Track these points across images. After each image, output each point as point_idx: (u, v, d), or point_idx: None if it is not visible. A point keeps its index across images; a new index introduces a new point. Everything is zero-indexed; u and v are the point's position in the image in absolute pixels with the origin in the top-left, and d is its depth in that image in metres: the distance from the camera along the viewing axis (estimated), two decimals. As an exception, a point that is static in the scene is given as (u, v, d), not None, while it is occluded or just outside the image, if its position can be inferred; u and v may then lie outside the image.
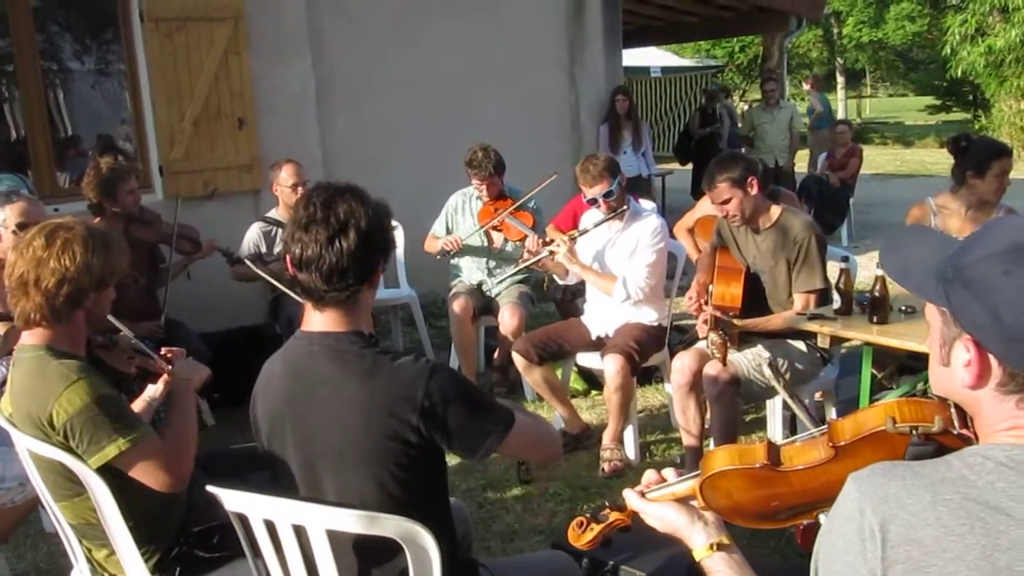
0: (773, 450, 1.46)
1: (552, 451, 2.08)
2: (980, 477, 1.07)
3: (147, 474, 2.24)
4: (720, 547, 1.47)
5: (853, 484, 1.13)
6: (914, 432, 1.29)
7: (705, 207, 5.32)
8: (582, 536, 1.71)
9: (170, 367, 2.68)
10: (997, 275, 1.09)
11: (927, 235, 1.27)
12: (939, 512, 1.05)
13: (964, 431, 1.24)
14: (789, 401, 2.42)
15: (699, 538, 1.49)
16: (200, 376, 2.62)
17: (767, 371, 3.72)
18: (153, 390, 2.64)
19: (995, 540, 1.02)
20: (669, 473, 1.61)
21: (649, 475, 1.62)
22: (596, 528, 1.70)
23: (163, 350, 2.75)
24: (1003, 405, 1.12)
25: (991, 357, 1.11)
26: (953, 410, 1.27)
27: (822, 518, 1.54)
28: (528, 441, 2.00)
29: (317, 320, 1.94)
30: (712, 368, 3.65)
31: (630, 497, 1.60)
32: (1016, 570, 1.01)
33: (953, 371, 1.16)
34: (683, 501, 1.55)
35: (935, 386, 1.25)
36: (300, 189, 5.03)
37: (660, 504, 1.56)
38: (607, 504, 1.71)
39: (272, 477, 2.04)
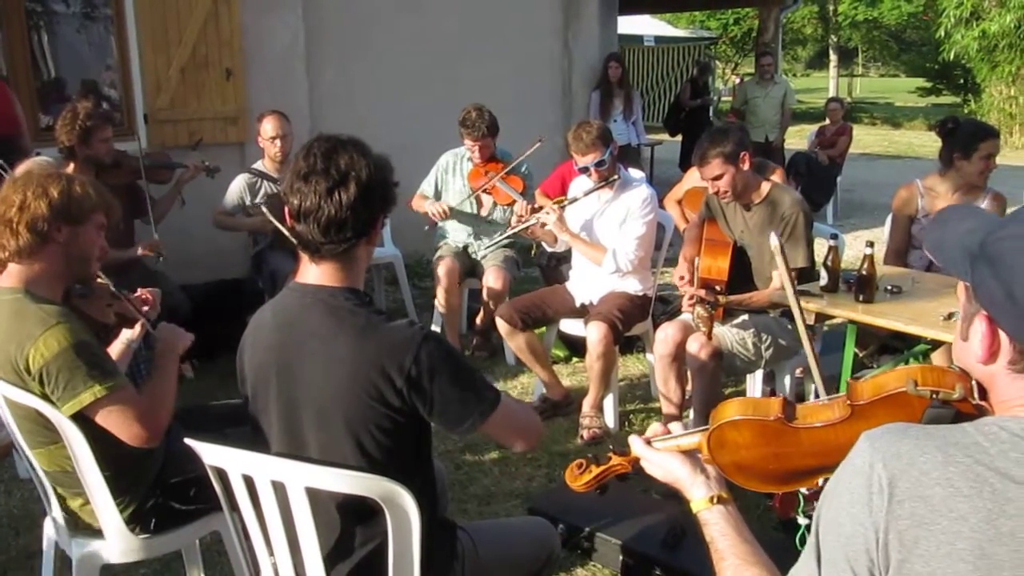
0: (788, 405, 1.47)
1: (531, 440, 2.08)
2: (994, 445, 1.07)
3: (120, 425, 2.21)
4: (720, 500, 1.47)
5: (866, 441, 1.14)
6: (934, 396, 1.29)
7: (694, 178, 5.30)
8: (580, 477, 1.71)
9: (146, 308, 2.66)
10: (1017, 252, 1.09)
11: (975, 215, 1.26)
12: (949, 472, 1.06)
13: (983, 403, 1.25)
14: (810, 358, 2.44)
15: (699, 490, 1.50)
16: (183, 342, 2.58)
17: (750, 343, 3.73)
18: (130, 333, 2.61)
19: (1002, 506, 1.03)
20: (676, 427, 1.62)
21: (655, 427, 1.63)
22: (595, 470, 1.70)
23: (138, 292, 2.72)
24: (1016, 383, 1.14)
25: (1003, 334, 1.13)
26: (974, 382, 1.28)
27: (804, 491, 1.55)
28: (509, 425, 1.99)
29: (312, 272, 1.91)
30: (695, 340, 3.65)
31: (635, 443, 1.61)
32: (1019, 536, 1.02)
33: (970, 345, 1.18)
34: (687, 454, 1.56)
35: (956, 359, 1.27)
36: (279, 142, 4.97)
37: (664, 453, 1.57)
38: (611, 448, 1.71)
39: (254, 428, 2.02)
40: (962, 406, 1.27)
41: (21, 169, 2.35)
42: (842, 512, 1.12)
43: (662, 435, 1.61)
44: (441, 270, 5.03)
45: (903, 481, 1.07)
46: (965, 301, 1.19)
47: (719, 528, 1.44)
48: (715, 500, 1.47)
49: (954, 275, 1.21)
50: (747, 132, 4.07)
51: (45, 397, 2.18)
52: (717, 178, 3.74)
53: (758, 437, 1.47)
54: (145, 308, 2.71)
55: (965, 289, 1.19)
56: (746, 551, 1.39)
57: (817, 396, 2.47)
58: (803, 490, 1.61)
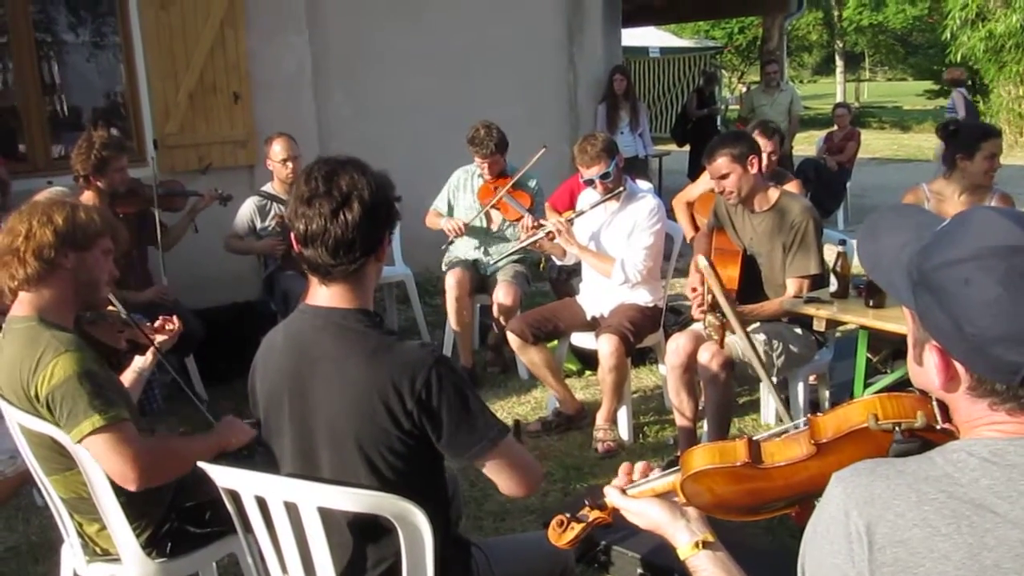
0: (754, 447, 1.44)
1: (532, 482, 2.01)
2: (964, 474, 1.05)
3: (112, 460, 2.17)
4: (705, 545, 1.45)
5: (838, 486, 1.11)
6: (897, 429, 1.27)
7: (706, 182, 5.30)
8: (563, 536, 1.68)
9: (159, 337, 2.67)
10: (958, 284, 1.05)
11: (905, 220, 1.21)
12: (924, 512, 1.04)
13: (947, 425, 1.22)
14: (769, 389, 2.43)
15: (683, 536, 1.47)
16: (239, 440, 2.46)
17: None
18: (142, 361, 2.63)
19: (981, 538, 1.01)
20: (647, 468, 1.59)
21: (624, 468, 1.60)
22: (577, 528, 1.67)
23: (160, 320, 2.74)
24: (976, 406, 1.10)
25: (957, 364, 1.09)
26: (935, 403, 1.25)
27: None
28: (514, 462, 1.94)
29: (323, 295, 1.92)
30: (707, 350, 3.64)
31: (611, 494, 1.58)
32: (1003, 567, 1.00)
33: (926, 371, 1.15)
34: (664, 497, 1.53)
35: (914, 381, 1.23)
36: (291, 164, 5.01)
37: (642, 501, 1.54)
38: (586, 503, 1.68)
39: (267, 450, 2.03)
40: (927, 433, 1.24)
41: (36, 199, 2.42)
42: (825, 562, 1.09)
43: (636, 480, 1.58)
44: (450, 280, 5.03)
45: (880, 527, 1.05)
46: (913, 326, 1.15)
47: (709, 574, 1.42)
48: (700, 545, 1.45)
49: (895, 298, 1.17)
50: (757, 141, 4.06)
51: (58, 424, 2.19)
52: (724, 177, 3.76)
53: (729, 481, 1.45)
54: (162, 338, 2.73)
55: (912, 315, 1.15)
56: None
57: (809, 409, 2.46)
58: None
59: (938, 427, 1.24)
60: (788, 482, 1.41)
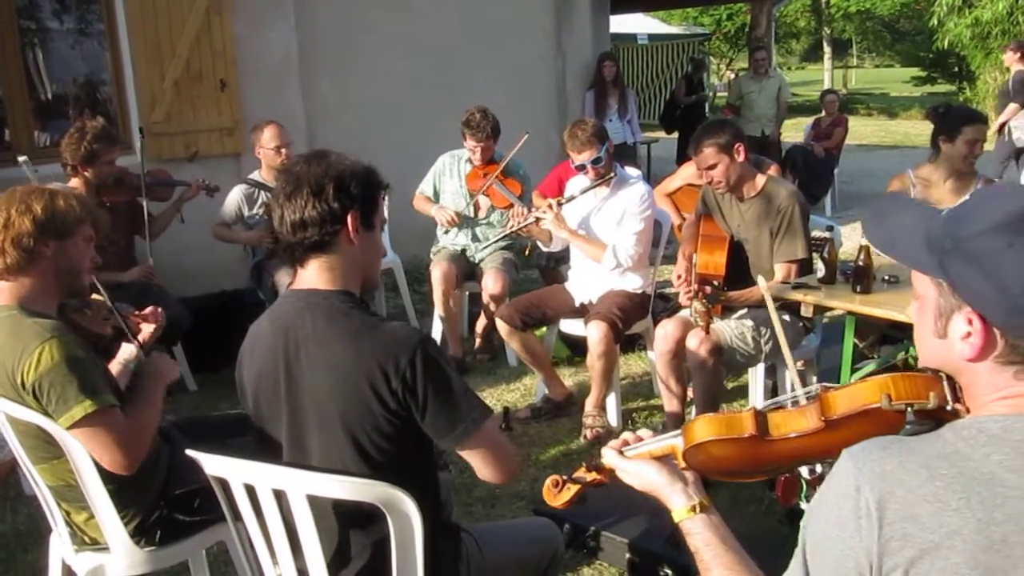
0: (760, 419, 1.44)
1: (509, 469, 2.02)
2: (975, 450, 1.07)
3: (103, 447, 2.20)
4: (702, 509, 1.45)
5: (849, 461, 1.12)
6: (909, 410, 1.27)
7: (685, 174, 5.31)
8: (559, 496, 1.70)
9: (151, 328, 2.66)
10: (1001, 248, 1.08)
11: (909, 204, 1.26)
12: (935, 487, 1.05)
13: (957, 405, 1.24)
14: (786, 355, 2.47)
15: (679, 499, 1.47)
16: (171, 375, 2.57)
17: (749, 339, 3.73)
18: (128, 351, 2.62)
19: (991, 513, 1.03)
20: (646, 434, 1.60)
21: (626, 436, 1.61)
22: (573, 488, 1.69)
23: (147, 309, 2.73)
24: (1000, 376, 1.12)
25: (994, 330, 1.11)
26: (945, 383, 1.26)
27: (803, 471, 1.55)
28: (495, 445, 1.97)
29: (304, 278, 1.97)
30: (695, 336, 3.65)
31: (608, 454, 1.59)
32: (1011, 541, 1.02)
33: (950, 343, 1.15)
34: (663, 460, 1.53)
35: (925, 358, 1.24)
36: (284, 151, 4.98)
37: (639, 462, 1.54)
38: (584, 464, 1.69)
39: (258, 437, 2.03)
40: (937, 414, 1.25)
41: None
42: (830, 535, 1.11)
43: (633, 443, 1.58)
44: (436, 275, 5.02)
45: (891, 502, 1.06)
46: (938, 298, 1.16)
47: (703, 538, 1.42)
48: (697, 509, 1.45)
49: (918, 271, 1.19)
50: (742, 127, 4.07)
51: (45, 412, 2.18)
52: (711, 167, 3.75)
53: (733, 450, 1.45)
54: (149, 328, 2.71)
55: (937, 286, 1.16)
56: (731, 560, 1.38)
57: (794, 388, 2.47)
58: (805, 475, 1.60)
59: (948, 407, 1.25)
60: (793, 453, 1.42)
